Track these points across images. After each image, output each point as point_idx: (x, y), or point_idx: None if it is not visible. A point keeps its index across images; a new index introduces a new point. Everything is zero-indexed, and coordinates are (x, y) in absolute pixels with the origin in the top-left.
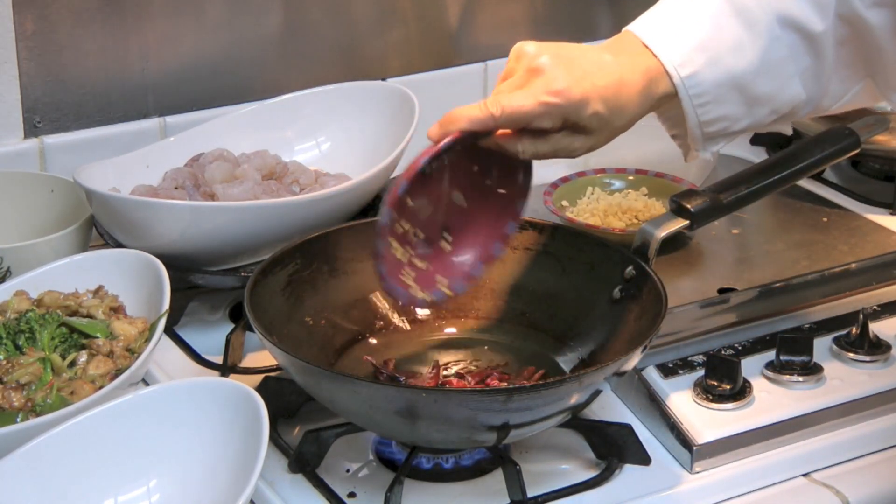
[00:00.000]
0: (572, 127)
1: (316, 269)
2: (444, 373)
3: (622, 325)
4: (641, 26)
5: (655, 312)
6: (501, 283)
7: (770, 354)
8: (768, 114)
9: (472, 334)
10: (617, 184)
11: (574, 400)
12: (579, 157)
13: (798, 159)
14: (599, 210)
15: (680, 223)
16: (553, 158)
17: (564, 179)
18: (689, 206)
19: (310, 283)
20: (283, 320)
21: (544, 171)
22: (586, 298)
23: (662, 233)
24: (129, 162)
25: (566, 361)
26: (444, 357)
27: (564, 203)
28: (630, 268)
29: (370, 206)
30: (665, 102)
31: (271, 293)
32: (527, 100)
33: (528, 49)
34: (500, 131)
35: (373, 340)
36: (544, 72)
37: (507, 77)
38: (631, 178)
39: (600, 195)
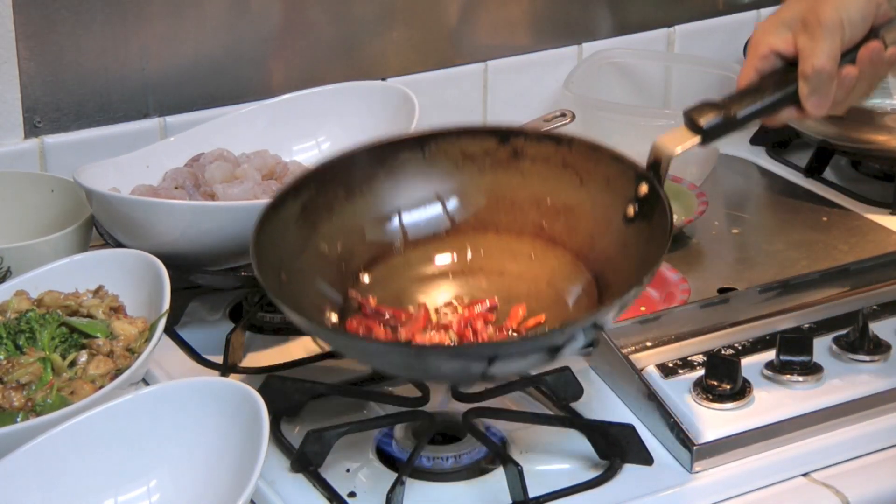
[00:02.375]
0: None
1: (332, 193)
2: (433, 313)
3: (633, 248)
4: None
5: (657, 248)
6: (521, 195)
7: (770, 354)
8: None
9: (494, 253)
10: None
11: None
12: None
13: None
14: None
15: (693, 140)
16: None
17: None
18: (700, 123)
19: (325, 209)
20: (296, 252)
21: None
22: (602, 214)
23: (676, 151)
24: (129, 162)
25: (578, 282)
26: (457, 283)
27: None
28: (643, 184)
29: None
30: None
31: (284, 226)
32: None
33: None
34: None
35: (390, 262)
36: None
37: None
38: None
39: None
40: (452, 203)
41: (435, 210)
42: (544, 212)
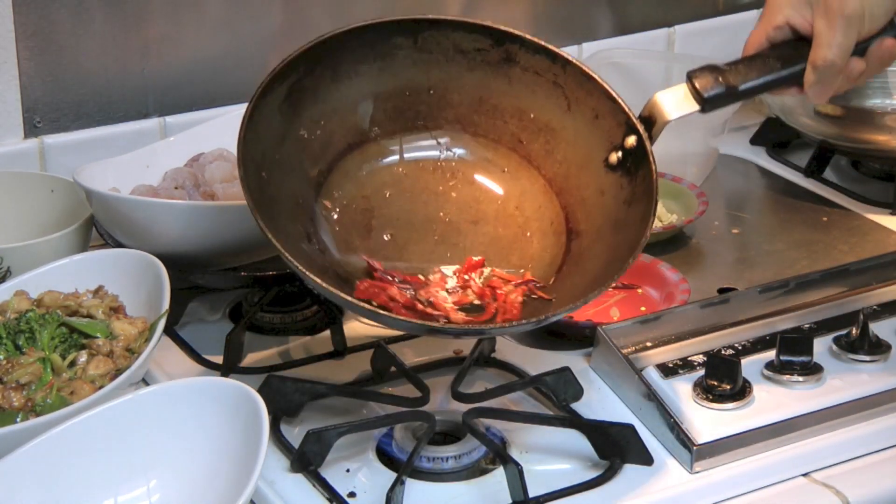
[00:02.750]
0: None
1: (319, 75)
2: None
3: (609, 203)
4: None
5: (640, 222)
6: (504, 102)
7: (770, 354)
8: None
9: (469, 162)
10: None
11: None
12: None
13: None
14: None
15: (692, 108)
16: None
17: None
18: (702, 91)
19: (311, 92)
20: (277, 142)
21: None
22: (583, 148)
23: (672, 117)
24: (129, 162)
25: (547, 212)
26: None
27: None
28: (633, 137)
29: None
30: None
31: (269, 113)
32: None
33: None
34: None
35: (366, 150)
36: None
37: None
38: None
39: None
40: (435, 94)
41: (417, 99)
42: (525, 126)
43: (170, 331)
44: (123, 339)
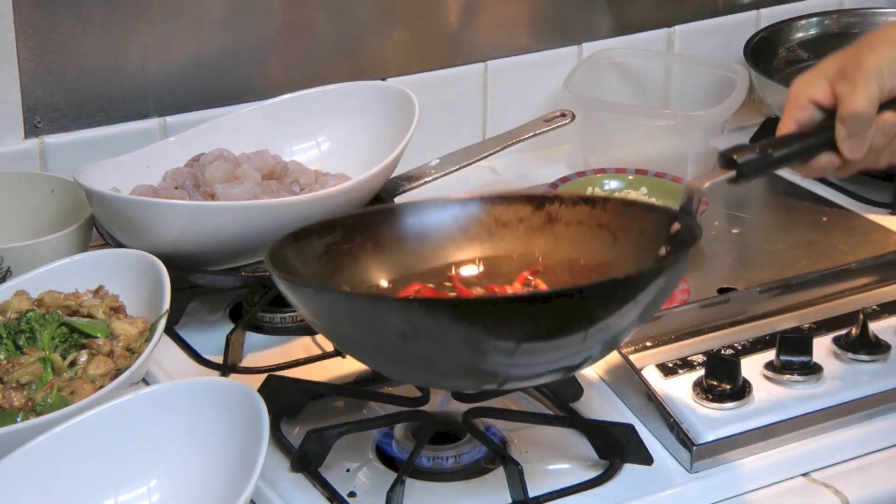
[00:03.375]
0: None
1: (359, 244)
2: None
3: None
4: None
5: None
6: (553, 259)
7: (770, 354)
8: None
9: None
10: (616, 184)
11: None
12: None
13: None
14: None
15: (727, 173)
16: None
17: (564, 179)
18: (735, 158)
19: (350, 255)
20: (315, 280)
21: (544, 172)
22: (635, 262)
23: (705, 185)
24: (129, 162)
25: None
26: None
27: None
28: (675, 223)
29: (370, 204)
30: None
31: (304, 257)
32: None
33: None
34: None
35: None
36: None
37: None
38: (630, 177)
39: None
40: (484, 266)
41: (468, 271)
42: (577, 273)
43: (170, 331)
44: (123, 339)
